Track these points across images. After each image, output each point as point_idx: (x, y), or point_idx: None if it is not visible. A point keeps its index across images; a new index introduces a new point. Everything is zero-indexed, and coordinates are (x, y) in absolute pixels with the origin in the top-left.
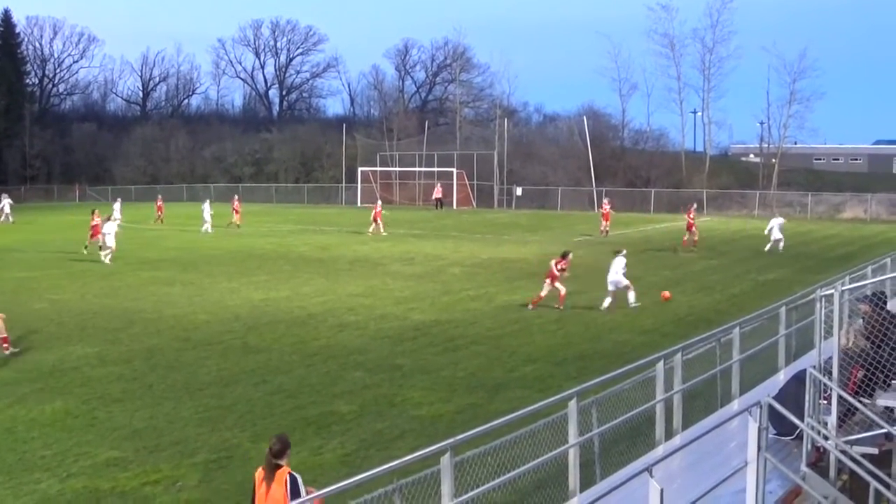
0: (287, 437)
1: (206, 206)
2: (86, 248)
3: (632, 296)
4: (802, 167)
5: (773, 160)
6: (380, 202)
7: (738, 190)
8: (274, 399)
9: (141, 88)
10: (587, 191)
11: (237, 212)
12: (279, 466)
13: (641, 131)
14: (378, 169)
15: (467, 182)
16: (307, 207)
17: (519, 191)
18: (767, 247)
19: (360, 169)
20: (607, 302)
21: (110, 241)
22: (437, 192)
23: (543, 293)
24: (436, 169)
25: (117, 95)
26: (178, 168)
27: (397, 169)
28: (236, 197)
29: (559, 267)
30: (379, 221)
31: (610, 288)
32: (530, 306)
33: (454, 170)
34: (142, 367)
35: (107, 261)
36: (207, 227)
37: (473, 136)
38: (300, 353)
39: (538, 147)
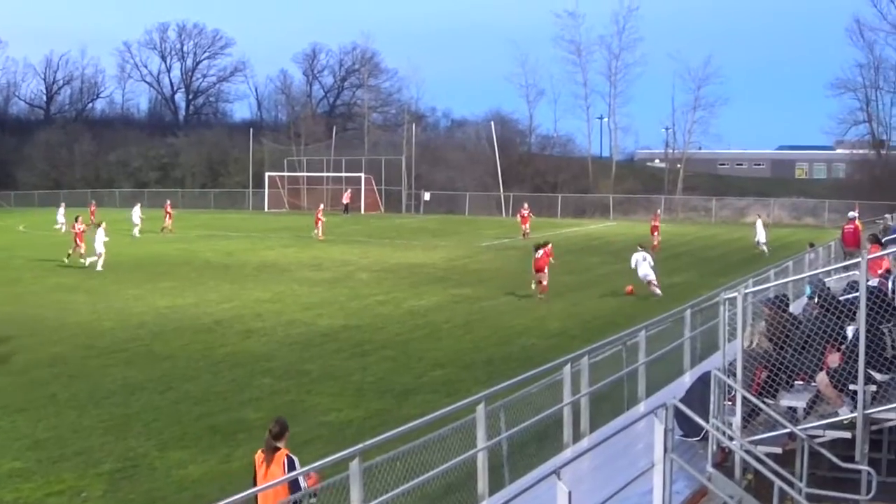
0: (285, 420)
1: (137, 210)
2: (68, 256)
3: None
4: (707, 172)
5: (679, 165)
6: (321, 205)
7: (644, 195)
8: (180, 407)
9: (44, 92)
10: (495, 196)
11: (170, 216)
12: (278, 448)
13: (548, 137)
14: (286, 174)
15: (375, 187)
16: (214, 213)
17: (427, 196)
18: (762, 249)
19: (267, 174)
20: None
21: (100, 247)
22: (347, 198)
23: (545, 281)
24: (344, 174)
25: (20, 99)
26: (82, 173)
27: (305, 174)
28: (168, 202)
29: (545, 257)
30: (320, 225)
31: (644, 278)
32: (541, 295)
33: (362, 175)
34: (45, 375)
35: (94, 263)
36: (136, 231)
37: (381, 142)
38: (207, 360)
39: (446, 152)
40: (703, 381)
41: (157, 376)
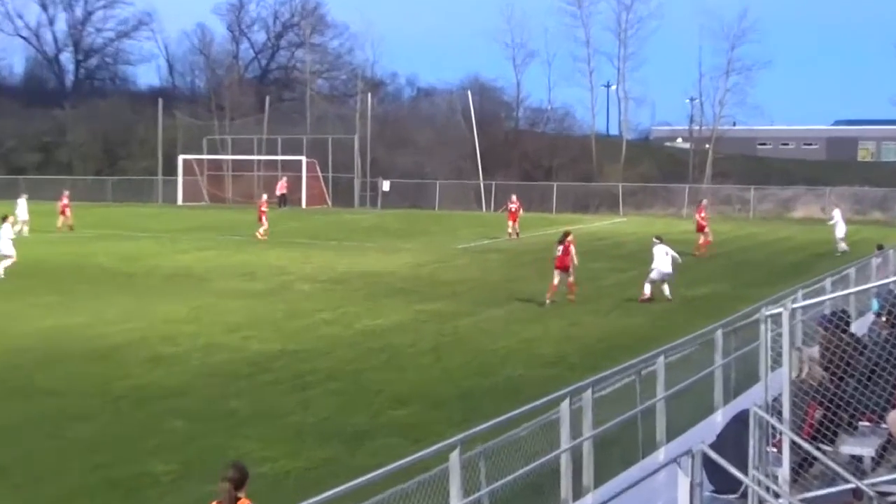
0: (244, 465)
1: (22, 203)
2: None
3: (666, 288)
4: (743, 154)
5: (707, 146)
6: (265, 196)
7: (663, 183)
8: (69, 455)
9: None
10: (473, 185)
11: (67, 210)
12: (238, 499)
13: (541, 110)
14: (205, 157)
15: (320, 174)
16: (112, 207)
17: (386, 185)
18: (841, 247)
19: (181, 157)
20: (667, 290)
21: (7, 249)
22: (282, 188)
23: (567, 279)
24: (280, 157)
25: None
26: None
27: (230, 157)
28: (66, 192)
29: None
30: (264, 220)
31: (655, 276)
32: (570, 296)
33: (303, 158)
34: None
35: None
36: (23, 228)
37: (328, 116)
38: (103, 395)
39: (411, 130)
40: (740, 421)
41: (39, 416)
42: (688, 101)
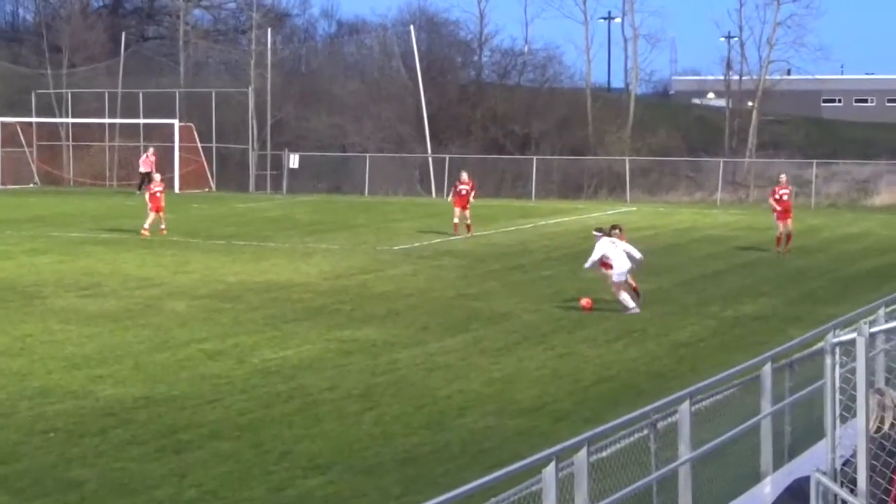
0: None
1: None
2: None
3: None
4: (802, 115)
5: (750, 104)
6: (155, 173)
7: (688, 157)
8: None
9: None
10: (417, 160)
11: None
12: None
13: (515, 53)
14: (34, 120)
15: (200, 145)
16: None
17: (294, 160)
18: None
19: (0, 119)
20: (626, 299)
21: None
22: (147, 163)
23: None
24: (142, 120)
25: None
26: None
27: (70, 120)
28: None
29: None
30: (151, 208)
31: (619, 279)
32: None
33: (176, 122)
34: None
35: None
36: None
37: (211, 63)
38: None
39: (329, 82)
40: (797, 492)
41: None
42: (723, 39)
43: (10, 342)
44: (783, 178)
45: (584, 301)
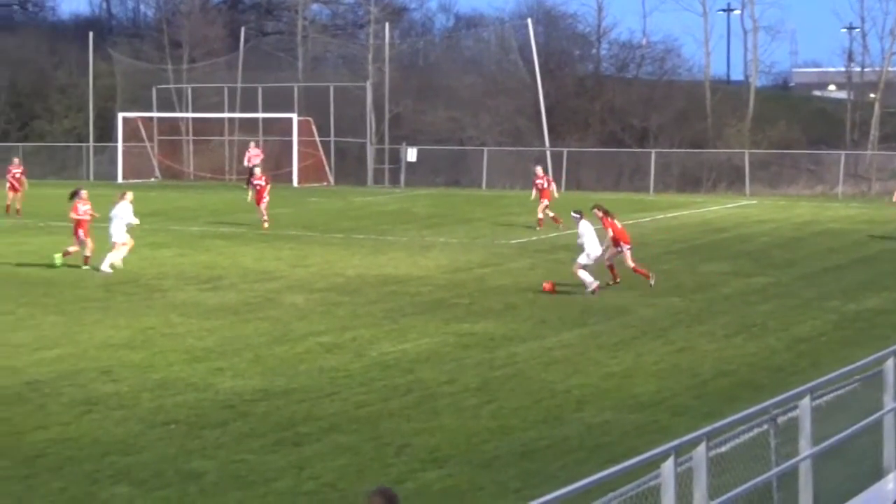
0: (393, 494)
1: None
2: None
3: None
4: None
5: (872, 95)
6: (254, 166)
7: (808, 150)
8: None
9: None
10: (534, 153)
11: (17, 184)
12: None
13: (633, 46)
14: (155, 115)
15: (318, 139)
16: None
17: (412, 154)
18: None
19: (121, 115)
20: (589, 281)
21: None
22: (251, 158)
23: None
24: (261, 115)
25: None
26: None
27: (190, 115)
28: (16, 160)
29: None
30: (264, 202)
31: (585, 261)
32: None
33: (294, 116)
34: None
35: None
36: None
37: (329, 57)
38: (12, 454)
39: (446, 76)
40: None
41: None
42: (845, 30)
43: (132, 335)
44: None
45: (546, 284)
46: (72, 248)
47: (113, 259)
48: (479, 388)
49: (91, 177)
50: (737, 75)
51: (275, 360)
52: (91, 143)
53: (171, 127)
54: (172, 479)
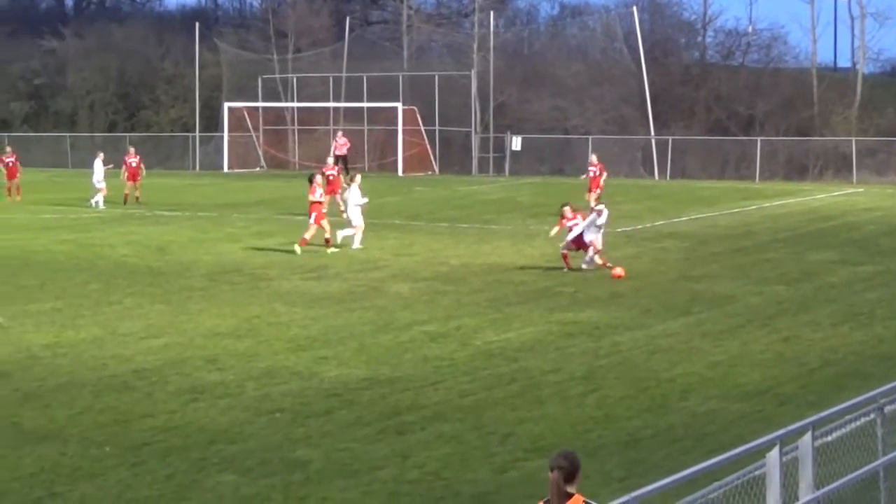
0: (576, 456)
1: (98, 163)
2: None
3: (591, 256)
4: None
5: None
6: (330, 160)
7: None
8: None
9: None
10: (640, 142)
11: (134, 174)
12: (570, 495)
13: (739, 34)
14: (260, 105)
15: (423, 128)
16: None
17: (517, 143)
18: None
19: (226, 104)
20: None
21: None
22: (339, 147)
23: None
24: (366, 104)
25: None
26: None
27: (295, 105)
28: (132, 149)
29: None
30: (341, 192)
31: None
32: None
33: (399, 105)
34: None
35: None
36: (98, 198)
37: (434, 47)
38: (120, 441)
39: (552, 65)
40: None
41: (27, 471)
42: None
43: (237, 324)
44: None
45: (616, 271)
46: (307, 235)
47: (346, 234)
48: (583, 376)
49: (197, 167)
50: (844, 62)
51: (379, 348)
52: (197, 133)
53: (276, 117)
54: (277, 467)
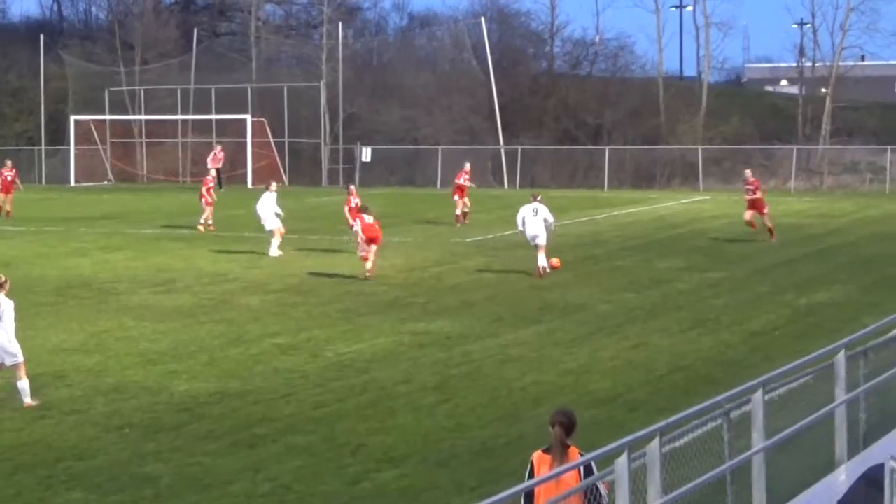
0: (573, 412)
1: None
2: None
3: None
4: (877, 102)
5: (824, 90)
6: (213, 169)
7: (761, 145)
8: None
9: None
10: (490, 152)
11: (8, 188)
12: (568, 447)
13: (586, 43)
14: (107, 117)
15: (272, 139)
16: None
17: (367, 154)
18: None
19: (73, 118)
20: (542, 261)
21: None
22: (215, 160)
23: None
24: (214, 116)
25: None
26: None
27: (143, 117)
28: (8, 163)
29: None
30: (209, 199)
31: (541, 242)
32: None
33: (248, 118)
34: None
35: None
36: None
37: (283, 58)
38: None
39: (400, 75)
40: (872, 480)
41: None
42: (796, 26)
43: (85, 339)
44: (748, 173)
45: (553, 261)
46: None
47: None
48: (435, 387)
49: (43, 180)
50: (690, 72)
51: (229, 362)
52: (43, 147)
53: (123, 129)
54: (127, 483)
